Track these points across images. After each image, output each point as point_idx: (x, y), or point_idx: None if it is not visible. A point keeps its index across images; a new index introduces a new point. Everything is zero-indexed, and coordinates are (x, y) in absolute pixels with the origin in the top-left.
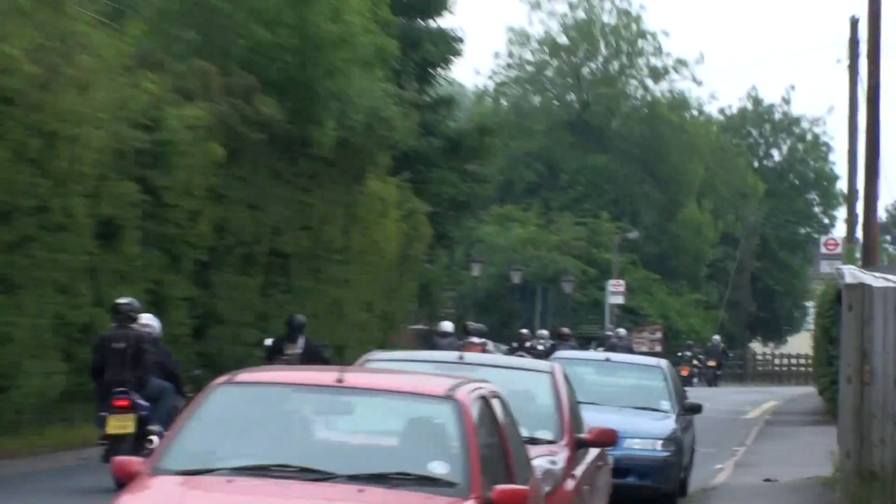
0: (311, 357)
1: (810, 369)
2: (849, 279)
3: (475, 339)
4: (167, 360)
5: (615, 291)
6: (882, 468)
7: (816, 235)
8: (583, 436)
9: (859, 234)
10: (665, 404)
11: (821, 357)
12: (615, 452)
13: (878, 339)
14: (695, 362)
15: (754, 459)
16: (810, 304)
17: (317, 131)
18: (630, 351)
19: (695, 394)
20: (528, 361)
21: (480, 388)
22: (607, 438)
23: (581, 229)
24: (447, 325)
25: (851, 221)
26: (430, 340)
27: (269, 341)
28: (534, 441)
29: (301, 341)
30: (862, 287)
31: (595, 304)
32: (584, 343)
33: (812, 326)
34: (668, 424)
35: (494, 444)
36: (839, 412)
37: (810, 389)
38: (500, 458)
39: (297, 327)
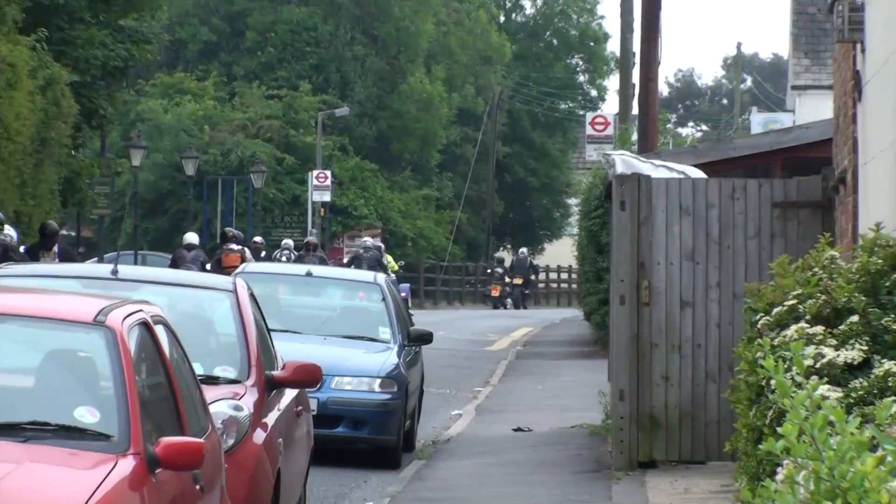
0: None
1: (574, 287)
2: (620, 168)
3: (234, 247)
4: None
5: (320, 185)
6: (666, 412)
7: (581, 112)
8: (276, 373)
9: (636, 110)
10: (385, 332)
11: (587, 271)
12: (320, 395)
13: (660, 247)
14: (507, 280)
15: (501, 403)
16: (574, 202)
17: None
18: (379, 264)
19: (426, 319)
20: (202, 277)
21: (140, 311)
22: (308, 376)
23: (275, 104)
24: (192, 237)
25: (626, 94)
26: (172, 255)
27: (22, 249)
28: (212, 380)
29: (57, 249)
30: (637, 179)
31: (294, 202)
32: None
33: (576, 231)
34: (388, 358)
35: (160, 385)
36: (611, 341)
37: (574, 312)
38: (168, 402)
39: (51, 234)
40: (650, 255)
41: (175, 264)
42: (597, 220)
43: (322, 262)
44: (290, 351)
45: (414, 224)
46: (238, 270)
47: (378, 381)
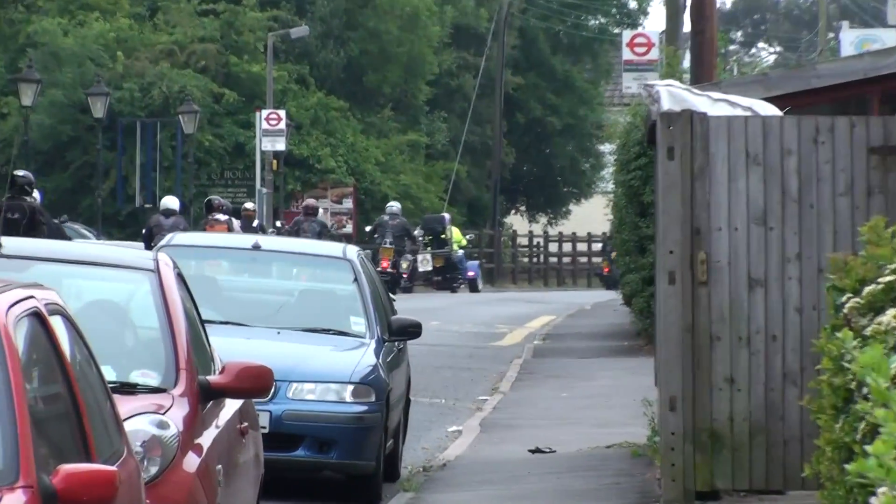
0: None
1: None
2: (668, 104)
3: (220, 217)
4: (55, 231)
5: (271, 130)
6: (732, 426)
7: (616, 31)
8: (214, 379)
9: (688, 27)
10: (358, 323)
11: (626, 240)
12: (272, 407)
13: (721, 207)
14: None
15: (514, 416)
16: (608, 150)
17: None
18: (407, 234)
19: (413, 305)
20: (113, 252)
21: (31, 297)
22: (256, 383)
23: (210, 23)
24: (171, 201)
25: (674, 6)
26: (146, 224)
27: None
28: (128, 389)
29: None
30: (690, 117)
31: (237, 152)
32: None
33: (612, 188)
34: (363, 358)
35: (57, 396)
36: (658, 333)
37: (610, 295)
38: (69, 419)
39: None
40: (708, 218)
41: (150, 235)
42: (638, 172)
43: (322, 230)
44: (232, 349)
45: (396, 180)
46: (162, 243)
47: (350, 387)
